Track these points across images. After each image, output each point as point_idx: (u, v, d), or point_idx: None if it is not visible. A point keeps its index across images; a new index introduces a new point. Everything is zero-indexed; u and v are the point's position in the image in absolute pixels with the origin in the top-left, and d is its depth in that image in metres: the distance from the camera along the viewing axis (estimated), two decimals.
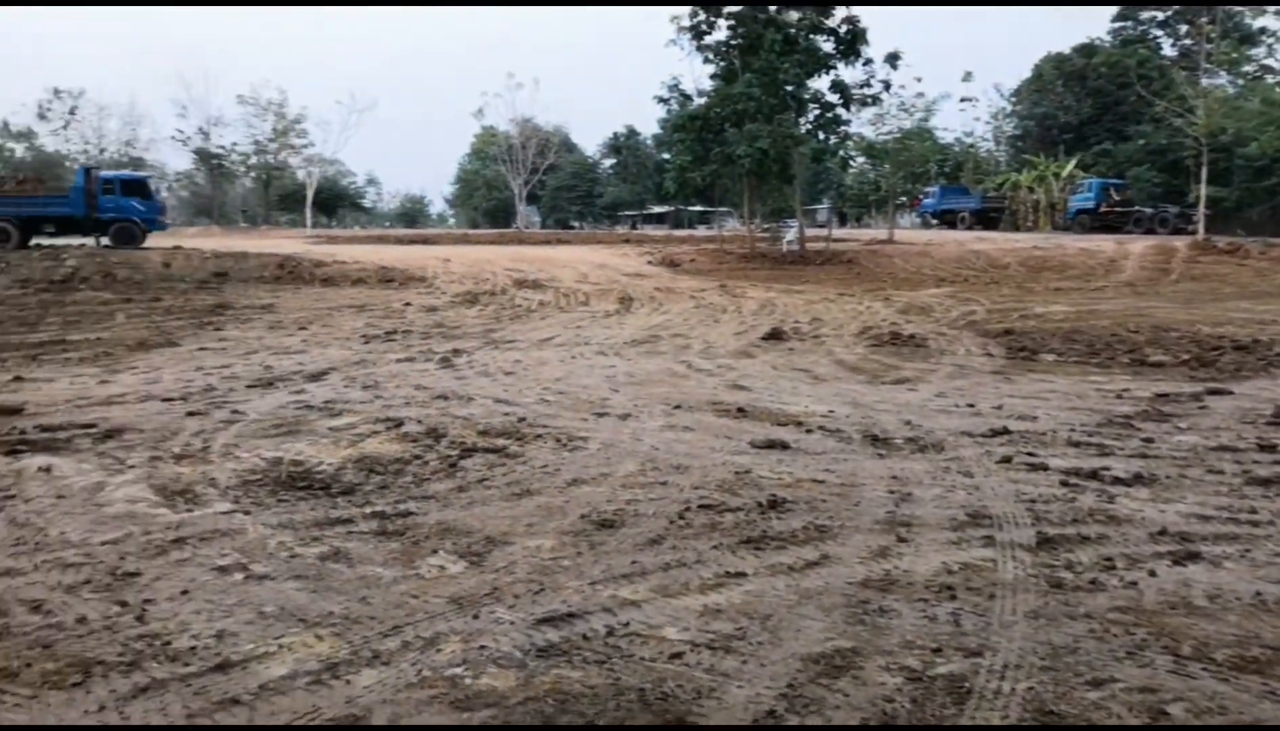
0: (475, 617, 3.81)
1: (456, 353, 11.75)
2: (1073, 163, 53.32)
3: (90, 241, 31.30)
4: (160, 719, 3.04)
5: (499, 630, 3.68)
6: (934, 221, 55.49)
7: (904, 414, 7.94)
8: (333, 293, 21.50)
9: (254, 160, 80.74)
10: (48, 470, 6.07)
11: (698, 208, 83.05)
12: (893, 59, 29.60)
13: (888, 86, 30.49)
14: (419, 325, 15.17)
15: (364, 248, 34.25)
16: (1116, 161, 51.95)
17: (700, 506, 5.25)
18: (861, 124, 35.93)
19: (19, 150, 70.66)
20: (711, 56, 30.49)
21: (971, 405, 8.34)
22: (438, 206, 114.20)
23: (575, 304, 18.81)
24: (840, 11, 28.79)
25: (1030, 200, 51.94)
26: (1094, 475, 5.87)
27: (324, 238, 47.75)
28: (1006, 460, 6.26)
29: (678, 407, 8.17)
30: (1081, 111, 59.30)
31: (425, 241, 41.84)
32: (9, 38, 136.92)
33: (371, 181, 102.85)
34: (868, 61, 29.50)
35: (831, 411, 8.02)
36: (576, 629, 3.70)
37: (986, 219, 52.13)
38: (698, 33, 29.89)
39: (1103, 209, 43.02)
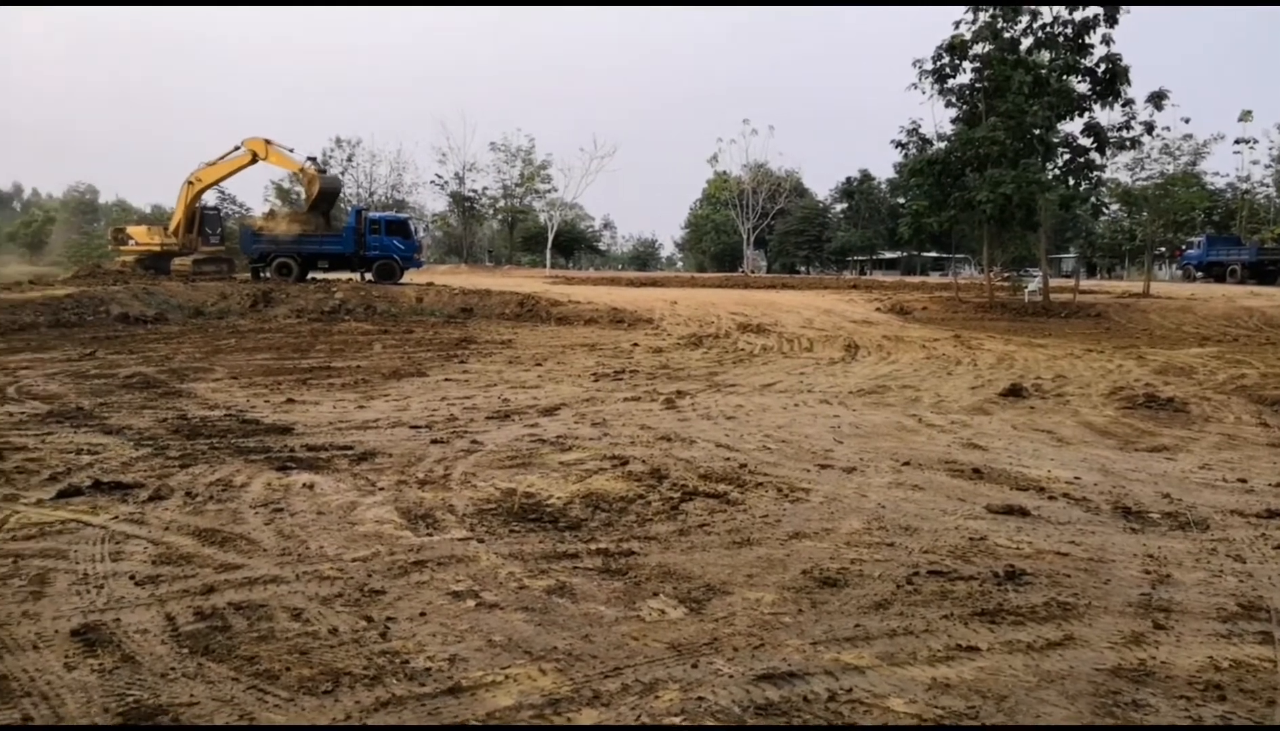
0: (694, 666, 3.78)
1: (680, 394, 11.89)
2: None
3: (356, 276, 34.45)
4: None
5: (718, 682, 3.64)
6: (1198, 274, 50.94)
7: (1161, 485, 7.24)
8: (567, 331, 22.43)
9: (501, 203, 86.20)
10: (311, 487, 6.65)
11: (931, 254, 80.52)
12: (1157, 99, 27.47)
13: (1150, 129, 28.32)
14: (645, 366, 15.50)
15: (597, 289, 35.58)
16: None
17: (930, 572, 4.99)
18: (1117, 168, 33.61)
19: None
20: (954, 100, 29.54)
21: (1243, 480, 7.48)
22: (667, 250, 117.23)
23: (799, 350, 18.61)
24: (1099, 50, 27.10)
25: None
26: None
27: (561, 278, 50.10)
28: None
29: (906, 464, 7.86)
30: None
31: (654, 284, 42.95)
32: (308, 92, 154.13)
33: (607, 225, 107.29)
34: (1128, 102, 27.54)
35: (1077, 478, 7.44)
36: (797, 689, 3.59)
37: (1262, 272, 47.23)
38: (940, 76, 29.08)
39: None
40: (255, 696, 3.49)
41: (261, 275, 33.67)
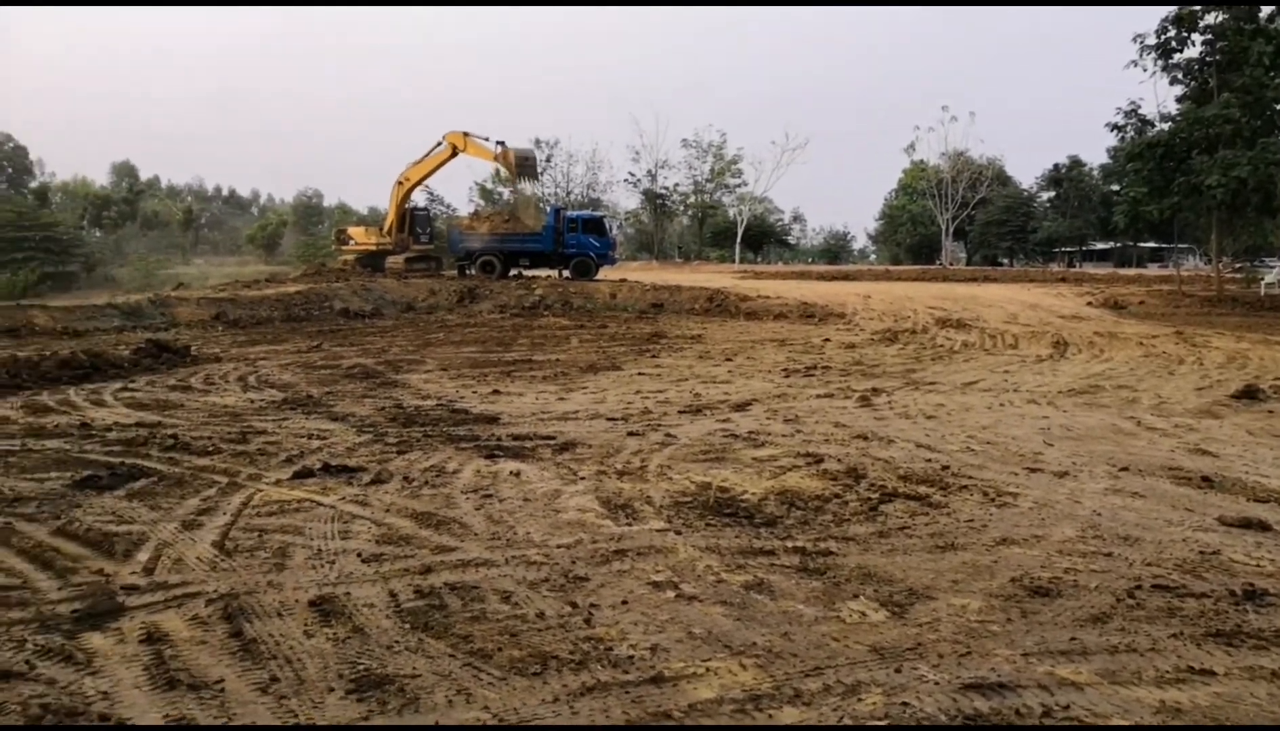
0: (897, 671, 3.70)
1: (875, 392, 11.61)
2: None
3: (554, 273, 35.68)
4: (603, 719, 3.33)
5: (923, 688, 3.55)
6: None
7: None
8: (755, 326, 22.37)
9: (692, 199, 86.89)
10: (517, 475, 6.97)
11: (1149, 244, 74.92)
12: None
13: None
14: (838, 362, 15.23)
15: (786, 283, 35.28)
16: None
17: (1154, 586, 4.66)
18: None
19: (505, 193, 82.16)
20: (1180, 76, 27.26)
21: None
22: (860, 242, 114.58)
23: (1003, 346, 17.76)
24: None
25: None
26: None
27: (749, 273, 50.00)
28: None
29: (1124, 470, 7.35)
30: None
31: (846, 277, 42.13)
32: (507, 100, 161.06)
33: (797, 218, 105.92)
34: None
35: None
36: (1008, 701, 3.45)
37: None
38: (1165, 51, 26.90)
39: None
40: (471, 673, 3.70)
41: (466, 272, 35.42)
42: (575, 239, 35.50)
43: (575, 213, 40.60)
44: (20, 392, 11.01)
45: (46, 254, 69.62)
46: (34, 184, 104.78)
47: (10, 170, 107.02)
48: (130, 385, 11.88)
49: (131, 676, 3.69)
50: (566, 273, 35.39)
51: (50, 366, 12.51)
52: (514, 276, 35.27)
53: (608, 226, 38.95)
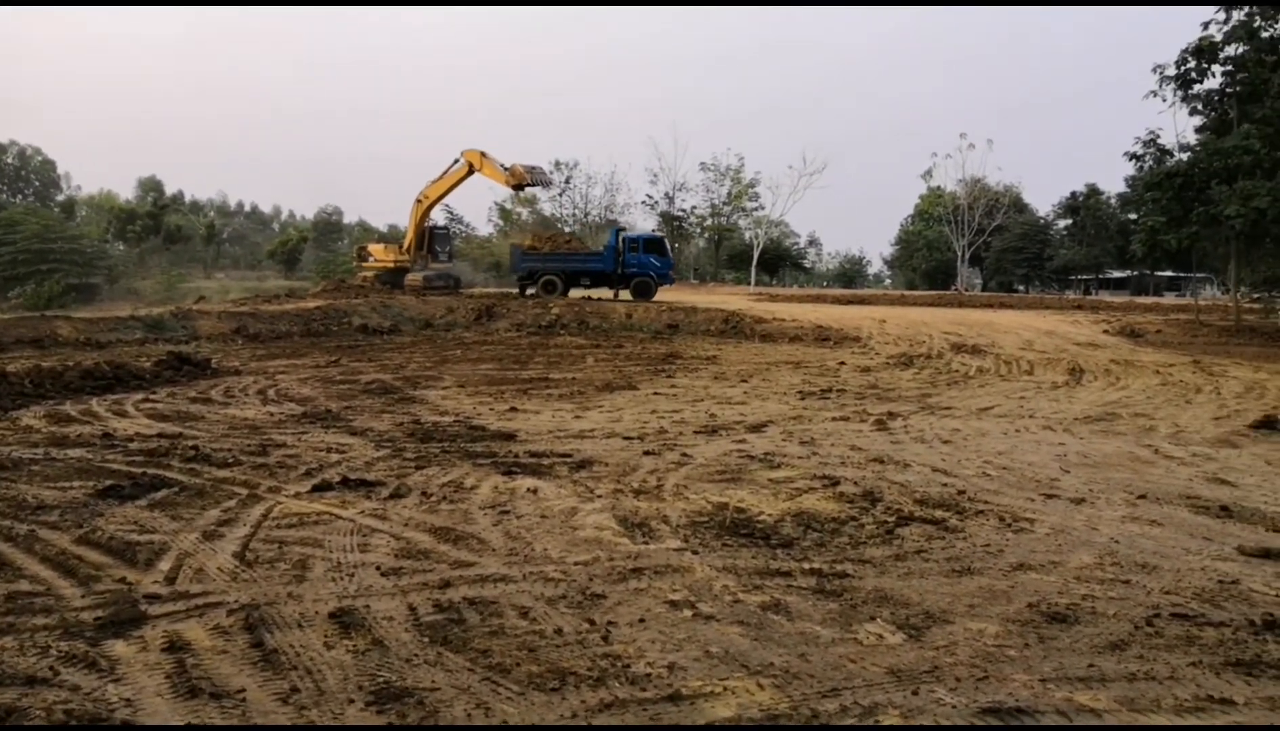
0: (914, 693, 3.70)
1: (891, 416, 11.61)
2: None
3: (610, 293, 35.89)
4: None
5: (940, 711, 3.55)
6: None
7: None
8: (771, 348, 22.38)
9: (709, 222, 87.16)
10: (534, 491, 7.01)
11: (1166, 273, 74.62)
12: None
13: None
14: (853, 385, 15.22)
15: (802, 306, 35.28)
16: None
17: (1173, 614, 4.64)
18: None
19: (524, 213, 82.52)
20: (1200, 107, 27.22)
21: None
22: (875, 267, 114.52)
23: (1018, 372, 17.71)
24: None
25: None
26: None
27: (765, 295, 50.02)
28: None
29: (1142, 497, 7.33)
30: None
31: (861, 301, 42.08)
32: (531, 120, 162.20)
33: (812, 242, 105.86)
34: None
35: None
36: (1025, 725, 3.45)
37: None
38: (1185, 82, 26.88)
39: None
40: (490, 688, 3.72)
41: (527, 292, 35.70)
42: (636, 259, 35.65)
43: (636, 233, 40.81)
44: (44, 402, 11.15)
45: (71, 266, 70.57)
46: (61, 197, 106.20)
47: (38, 183, 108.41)
48: (152, 396, 12.01)
49: (154, 684, 3.73)
50: (626, 292, 35.52)
51: (73, 377, 12.65)
52: (579, 298, 35.49)
53: (668, 247, 39.17)
